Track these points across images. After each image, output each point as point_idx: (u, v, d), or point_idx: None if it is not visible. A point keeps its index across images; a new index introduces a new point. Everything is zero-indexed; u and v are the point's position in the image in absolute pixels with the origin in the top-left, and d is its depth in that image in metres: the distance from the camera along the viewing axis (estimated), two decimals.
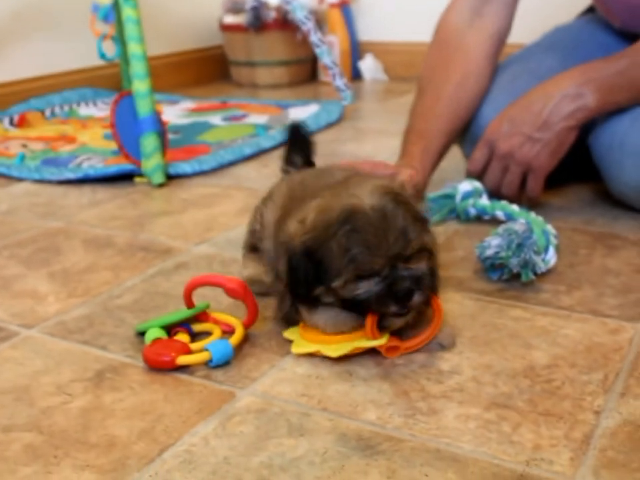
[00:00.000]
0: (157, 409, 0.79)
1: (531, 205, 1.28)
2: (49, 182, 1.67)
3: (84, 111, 2.42)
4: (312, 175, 1.05)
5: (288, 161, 1.16)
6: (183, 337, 0.91)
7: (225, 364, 0.87)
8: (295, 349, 0.88)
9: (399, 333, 0.87)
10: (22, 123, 2.22)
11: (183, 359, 0.86)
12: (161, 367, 0.86)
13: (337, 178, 0.96)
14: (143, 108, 1.57)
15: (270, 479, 0.68)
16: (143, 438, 0.75)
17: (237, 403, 0.80)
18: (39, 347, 0.94)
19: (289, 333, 0.91)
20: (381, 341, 0.84)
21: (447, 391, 0.80)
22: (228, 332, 0.93)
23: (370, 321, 0.83)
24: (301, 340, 0.89)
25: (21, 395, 0.83)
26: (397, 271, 0.81)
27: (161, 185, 1.60)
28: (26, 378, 0.87)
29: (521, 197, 1.29)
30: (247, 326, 0.93)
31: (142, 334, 0.93)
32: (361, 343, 0.85)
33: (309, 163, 1.16)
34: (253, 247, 1.07)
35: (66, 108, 2.41)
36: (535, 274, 1.04)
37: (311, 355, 0.87)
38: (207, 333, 0.94)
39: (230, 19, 2.90)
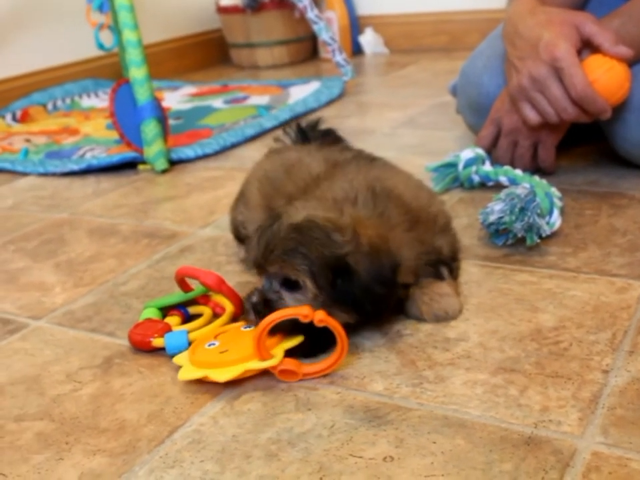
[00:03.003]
0: (166, 391, 0.80)
1: (547, 173, 1.28)
2: (53, 175, 1.67)
3: (86, 102, 2.42)
4: (280, 169, 1.03)
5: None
6: (172, 319, 0.91)
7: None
8: (181, 376, 0.80)
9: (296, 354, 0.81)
10: (25, 117, 2.23)
11: (157, 341, 0.87)
12: (139, 347, 0.88)
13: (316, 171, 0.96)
14: (142, 95, 1.57)
15: (278, 454, 0.68)
16: (153, 420, 0.75)
17: (244, 382, 0.80)
18: (47, 337, 0.95)
19: (178, 359, 0.84)
20: (271, 362, 0.78)
21: (454, 358, 0.80)
22: (220, 314, 0.92)
23: (257, 340, 0.77)
24: (189, 365, 0.81)
25: (31, 385, 0.84)
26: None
27: (164, 171, 1.60)
28: (36, 368, 0.87)
29: (534, 167, 1.28)
30: (237, 316, 0.92)
31: None
32: (252, 364, 0.79)
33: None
34: (237, 235, 1.09)
35: (68, 100, 2.42)
36: (540, 237, 1.03)
37: None
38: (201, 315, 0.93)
39: (226, 1, 2.88)
